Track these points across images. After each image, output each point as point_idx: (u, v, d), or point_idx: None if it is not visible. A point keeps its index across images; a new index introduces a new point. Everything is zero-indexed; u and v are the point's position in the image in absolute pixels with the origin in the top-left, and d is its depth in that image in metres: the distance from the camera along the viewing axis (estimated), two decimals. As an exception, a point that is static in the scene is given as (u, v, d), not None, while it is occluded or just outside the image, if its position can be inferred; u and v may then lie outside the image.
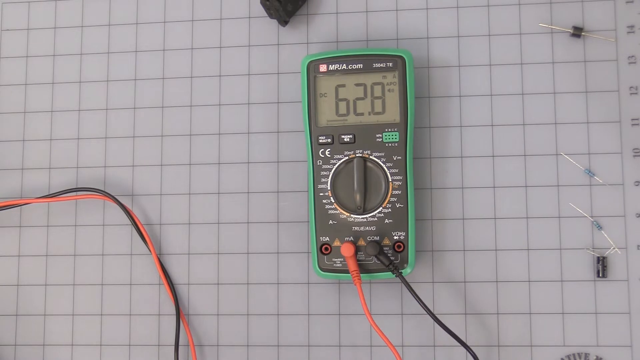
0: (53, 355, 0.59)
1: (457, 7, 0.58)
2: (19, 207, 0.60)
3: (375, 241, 0.53)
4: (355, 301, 0.57)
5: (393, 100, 0.54)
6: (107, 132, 0.61)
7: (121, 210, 0.59)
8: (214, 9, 0.61)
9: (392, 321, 0.56)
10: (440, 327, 0.53)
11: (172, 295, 0.58)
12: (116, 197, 0.59)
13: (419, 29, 0.59)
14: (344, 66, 0.55)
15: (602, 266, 0.54)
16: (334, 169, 0.54)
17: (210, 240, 0.58)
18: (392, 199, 0.53)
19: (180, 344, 0.57)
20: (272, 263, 0.58)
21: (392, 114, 0.54)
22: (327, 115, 0.55)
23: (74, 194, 0.59)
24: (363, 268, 0.54)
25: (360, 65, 0.55)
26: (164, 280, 0.58)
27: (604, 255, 0.55)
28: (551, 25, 0.57)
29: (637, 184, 0.55)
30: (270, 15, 0.59)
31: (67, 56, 0.62)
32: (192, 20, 0.61)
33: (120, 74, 0.61)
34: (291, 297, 0.57)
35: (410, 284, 0.55)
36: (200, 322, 0.58)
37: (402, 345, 0.56)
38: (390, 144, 0.54)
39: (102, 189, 0.59)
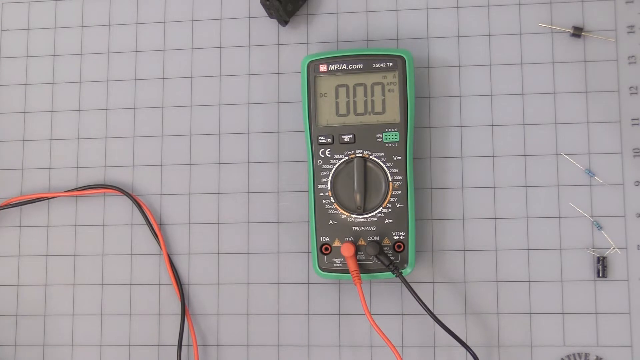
0: (53, 355, 0.59)
1: (457, 7, 0.58)
2: (19, 207, 0.60)
3: (375, 241, 0.53)
4: (355, 301, 0.57)
5: (393, 100, 0.54)
6: (107, 132, 0.61)
7: (121, 210, 0.59)
8: (214, 9, 0.61)
9: (392, 321, 0.56)
10: (440, 327, 0.53)
11: (180, 294, 0.58)
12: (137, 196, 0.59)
13: (419, 29, 0.59)
14: (344, 66, 0.55)
15: (602, 266, 0.55)
16: (334, 169, 0.54)
17: (210, 240, 0.58)
18: (392, 199, 0.53)
19: (181, 343, 0.57)
20: (272, 263, 0.58)
21: (392, 114, 0.54)
22: (327, 115, 0.55)
23: (83, 189, 0.59)
24: (363, 268, 0.54)
25: (360, 65, 0.55)
26: (172, 279, 0.58)
27: (604, 255, 0.55)
28: (551, 25, 0.57)
29: (637, 184, 0.56)
30: (270, 15, 0.59)
31: (67, 56, 0.62)
32: (192, 20, 0.61)
33: (120, 74, 0.61)
34: (291, 297, 0.57)
35: (410, 284, 0.55)
36: (201, 322, 0.58)
37: (402, 345, 0.56)
38: (390, 144, 0.54)
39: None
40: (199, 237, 0.59)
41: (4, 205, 0.59)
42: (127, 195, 0.58)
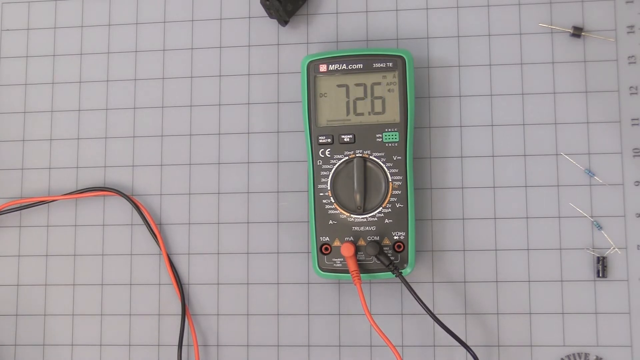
0: (53, 355, 0.59)
1: (457, 7, 0.58)
2: (19, 207, 0.60)
3: (375, 241, 0.53)
4: (355, 301, 0.57)
5: (393, 100, 0.54)
6: (107, 132, 0.61)
7: (121, 210, 0.59)
8: (214, 9, 0.61)
9: (392, 321, 0.56)
10: (440, 327, 0.53)
11: (180, 294, 0.58)
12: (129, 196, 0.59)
13: (419, 29, 0.59)
14: (344, 66, 0.55)
15: (602, 266, 0.55)
16: (334, 169, 0.54)
17: (210, 240, 0.58)
18: (392, 199, 0.53)
19: (182, 343, 0.57)
20: (272, 263, 0.58)
21: (392, 114, 0.54)
22: (327, 115, 0.55)
23: (79, 192, 0.59)
24: (363, 268, 0.54)
25: (360, 65, 0.55)
26: (172, 279, 0.58)
27: (604, 255, 0.55)
28: (551, 25, 0.57)
29: (637, 184, 0.56)
30: (270, 15, 0.59)
31: (67, 56, 0.62)
32: (192, 20, 0.61)
33: (120, 74, 0.61)
34: (291, 297, 0.57)
35: (410, 284, 0.55)
36: (201, 322, 0.58)
37: (402, 345, 0.56)
38: (390, 144, 0.54)
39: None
40: (199, 237, 0.59)
41: (3, 209, 0.59)
42: (125, 198, 0.58)
